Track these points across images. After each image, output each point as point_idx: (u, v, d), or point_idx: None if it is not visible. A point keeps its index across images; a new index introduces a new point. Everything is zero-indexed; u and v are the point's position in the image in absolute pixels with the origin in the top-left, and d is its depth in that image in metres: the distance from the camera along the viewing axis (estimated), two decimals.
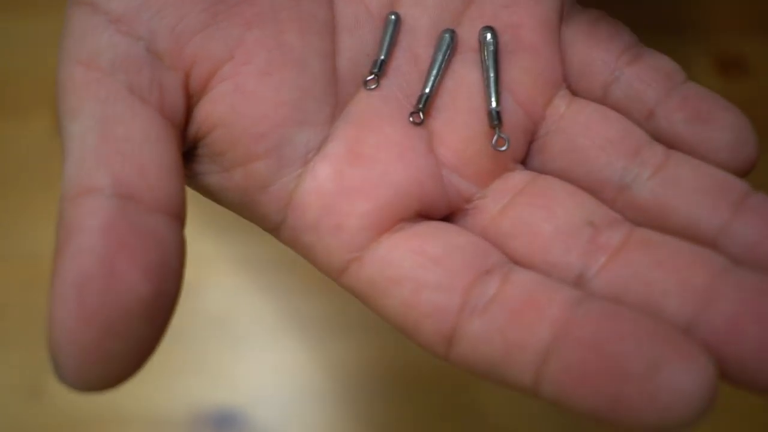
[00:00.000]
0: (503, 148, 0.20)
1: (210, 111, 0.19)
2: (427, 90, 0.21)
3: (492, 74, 0.21)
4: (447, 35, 0.22)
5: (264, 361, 0.44)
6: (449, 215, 0.21)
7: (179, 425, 0.42)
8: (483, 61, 0.21)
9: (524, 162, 0.22)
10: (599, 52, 0.22)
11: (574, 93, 0.22)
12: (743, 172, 0.20)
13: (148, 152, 0.17)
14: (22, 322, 0.44)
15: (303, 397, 0.43)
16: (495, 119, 0.20)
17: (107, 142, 0.17)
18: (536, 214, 0.20)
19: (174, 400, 0.43)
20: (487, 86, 0.21)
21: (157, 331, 0.16)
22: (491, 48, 0.21)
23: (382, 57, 0.21)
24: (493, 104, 0.21)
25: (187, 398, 0.43)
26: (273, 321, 0.45)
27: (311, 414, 0.43)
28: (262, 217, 0.20)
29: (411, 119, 0.21)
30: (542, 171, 0.21)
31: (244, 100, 0.19)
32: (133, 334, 0.16)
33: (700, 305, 0.17)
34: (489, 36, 0.21)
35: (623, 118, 0.21)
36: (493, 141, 0.20)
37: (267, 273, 0.45)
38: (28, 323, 0.44)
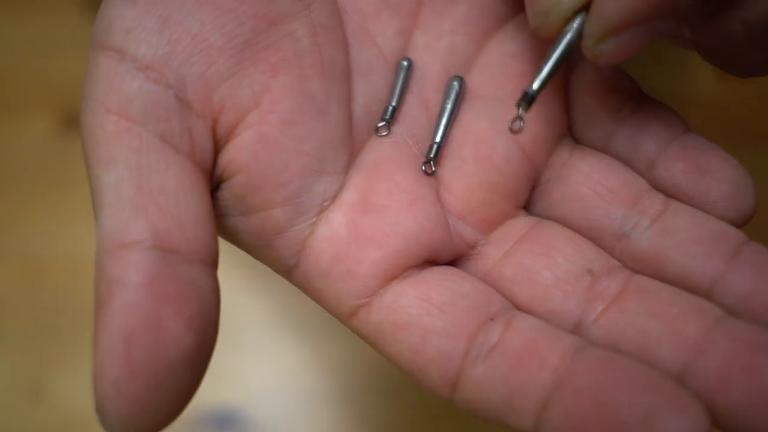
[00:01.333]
0: (519, 126, 0.21)
1: (234, 157, 0.20)
2: (438, 139, 0.22)
3: (557, 54, 0.20)
4: (455, 83, 0.22)
5: (264, 361, 0.44)
6: (454, 260, 0.22)
7: (179, 425, 0.42)
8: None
9: (527, 207, 0.23)
10: (603, 102, 0.22)
11: (577, 141, 0.23)
12: (741, 223, 0.21)
13: (183, 202, 0.18)
14: (22, 322, 0.44)
15: (303, 397, 0.43)
16: (526, 101, 0.20)
17: (143, 193, 0.17)
18: (537, 261, 0.21)
19: None
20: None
21: (198, 378, 0.17)
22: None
23: (394, 104, 0.22)
24: (536, 85, 0.20)
25: None
26: (273, 321, 0.45)
27: (311, 414, 0.43)
28: (275, 260, 0.21)
29: (423, 168, 0.21)
30: (544, 216, 0.22)
31: (267, 149, 0.20)
32: (178, 383, 0.16)
33: (692, 355, 0.18)
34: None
35: (624, 168, 0.22)
36: (510, 122, 0.21)
37: (267, 273, 0.45)
38: (28, 323, 0.44)
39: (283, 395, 0.43)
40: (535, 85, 0.20)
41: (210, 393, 0.43)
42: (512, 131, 0.21)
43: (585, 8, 0.20)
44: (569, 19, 0.20)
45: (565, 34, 0.20)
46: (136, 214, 0.17)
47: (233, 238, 0.21)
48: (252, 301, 0.45)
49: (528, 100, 0.20)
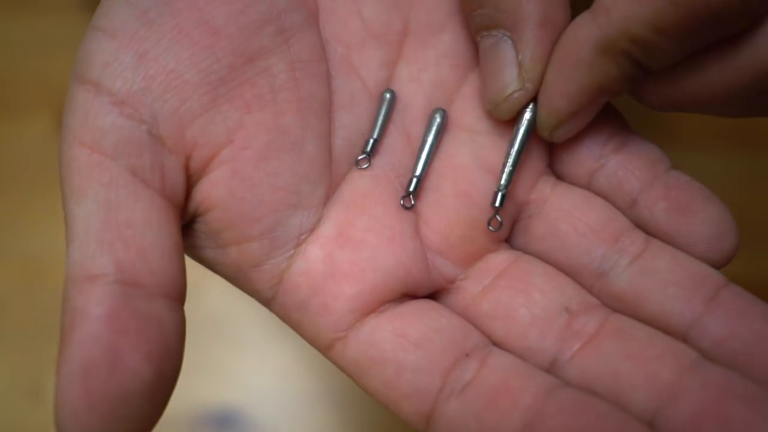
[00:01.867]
0: (495, 230, 0.21)
1: (209, 193, 0.20)
2: (417, 173, 0.21)
3: (515, 150, 0.21)
4: (438, 116, 0.22)
5: (264, 361, 0.44)
6: (433, 293, 0.22)
7: (179, 425, 0.42)
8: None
9: (509, 240, 0.22)
10: (586, 139, 0.22)
11: (560, 177, 0.23)
12: (721, 265, 0.21)
13: (150, 237, 0.18)
14: (22, 322, 0.44)
15: (303, 397, 0.43)
16: (499, 201, 0.21)
17: (110, 227, 0.18)
18: (515, 297, 0.21)
19: (174, 400, 0.43)
20: (504, 164, 0.22)
21: (157, 409, 0.18)
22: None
23: (375, 137, 0.22)
24: (503, 183, 0.21)
25: (187, 398, 0.43)
26: (273, 321, 0.45)
27: (311, 414, 0.43)
28: (254, 291, 0.21)
29: (402, 203, 0.21)
30: (525, 251, 0.22)
31: (241, 185, 0.20)
32: (136, 415, 0.17)
33: (665, 400, 0.18)
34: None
35: (606, 205, 0.22)
36: (489, 220, 0.21)
37: None
38: (28, 323, 0.44)
39: (283, 395, 0.43)
40: (503, 183, 0.21)
41: (210, 393, 0.43)
42: (492, 230, 0.21)
43: (534, 99, 0.21)
44: (520, 111, 0.21)
45: (522, 126, 0.21)
46: (101, 248, 0.17)
47: (214, 269, 0.21)
48: (252, 302, 0.45)
49: (501, 199, 0.21)
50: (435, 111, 0.22)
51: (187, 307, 0.47)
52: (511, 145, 0.21)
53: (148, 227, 0.18)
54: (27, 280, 0.45)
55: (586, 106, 0.20)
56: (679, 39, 0.18)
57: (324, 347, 0.20)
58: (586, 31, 0.19)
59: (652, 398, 0.18)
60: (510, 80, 0.21)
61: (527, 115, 0.21)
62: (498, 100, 0.21)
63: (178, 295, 0.18)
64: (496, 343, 0.20)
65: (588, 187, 0.22)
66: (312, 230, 0.20)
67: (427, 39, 0.23)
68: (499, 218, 0.21)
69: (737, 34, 0.18)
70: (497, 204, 0.21)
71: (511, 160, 0.21)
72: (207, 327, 0.44)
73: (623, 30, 0.18)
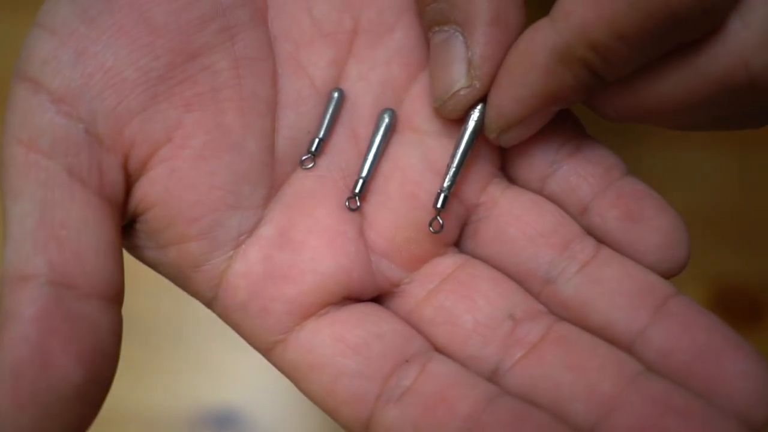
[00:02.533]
0: (436, 231, 0.21)
1: (147, 191, 0.20)
2: (364, 174, 0.21)
3: (461, 150, 0.21)
4: (386, 116, 0.22)
5: (264, 361, 0.44)
6: (377, 296, 0.21)
7: (179, 425, 0.42)
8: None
9: (458, 244, 0.22)
10: (540, 142, 0.21)
11: (512, 181, 0.22)
12: (672, 274, 0.20)
13: (85, 237, 0.18)
14: None
15: (303, 396, 0.43)
16: (441, 202, 0.21)
17: (45, 227, 0.18)
18: (459, 303, 0.20)
19: (174, 400, 0.43)
20: (449, 165, 0.21)
21: (91, 411, 0.17)
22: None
23: (320, 136, 0.21)
24: (446, 184, 0.21)
25: (187, 398, 0.43)
26: None
27: (311, 414, 0.43)
28: (195, 292, 0.21)
29: (347, 204, 0.21)
30: (473, 255, 0.22)
31: (179, 184, 0.20)
32: (67, 416, 0.17)
33: (604, 412, 0.18)
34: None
35: (557, 210, 0.21)
36: (430, 222, 0.21)
37: None
38: None
39: (283, 395, 0.43)
40: (446, 184, 0.21)
41: (210, 393, 0.43)
42: (433, 232, 0.21)
43: (483, 99, 0.21)
44: (468, 110, 0.21)
45: (469, 127, 0.21)
46: (35, 248, 0.17)
47: (157, 269, 0.21)
48: None
49: (443, 200, 0.21)
50: (384, 111, 0.22)
51: (186, 307, 0.48)
52: (457, 146, 0.21)
53: (84, 227, 0.18)
54: None
55: (537, 113, 0.20)
56: (638, 45, 0.18)
57: (264, 350, 0.20)
58: (543, 35, 0.19)
59: (591, 410, 0.18)
60: (458, 77, 0.20)
61: (475, 115, 0.21)
62: (445, 96, 0.21)
63: (114, 296, 0.18)
64: (438, 350, 0.20)
65: (541, 192, 0.22)
66: (252, 231, 0.20)
67: (378, 38, 0.22)
68: (440, 220, 0.21)
69: (696, 41, 0.18)
70: (439, 205, 0.21)
71: (456, 161, 0.21)
72: (207, 327, 0.44)
73: (582, 36, 0.18)
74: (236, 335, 0.46)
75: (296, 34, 0.22)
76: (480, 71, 0.20)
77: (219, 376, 0.44)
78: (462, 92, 0.20)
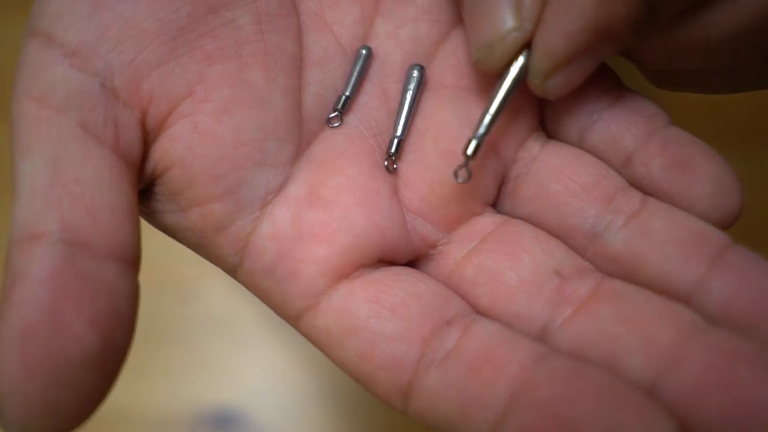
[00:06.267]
0: (461, 181, 0.20)
1: (167, 149, 0.19)
2: (398, 133, 0.20)
3: (502, 94, 0.20)
4: (415, 71, 0.21)
5: (264, 361, 0.44)
6: (413, 260, 0.20)
7: (179, 425, 0.42)
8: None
9: (495, 205, 0.21)
10: (578, 94, 0.20)
11: (550, 135, 0.21)
12: (725, 224, 0.19)
13: (100, 195, 0.17)
14: None
15: (303, 396, 0.43)
16: (472, 149, 0.19)
17: (57, 184, 0.17)
18: (501, 261, 0.19)
19: (174, 400, 0.43)
20: (485, 112, 0.20)
21: (105, 380, 0.16)
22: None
23: (347, 93, 0.20)
24: (481, 131, 0.19)
25: (188, 398, 0.43)
26: (273, 321, 0.45)
27: (311, 414, 0.43)
28: (218, 258, 0.20)
29: (385, 164, 0.20)
30: (513, 215, 0.21)
31: (201, 140, 0.18)
32: (80, 384, 0.15)
33: (665, 366, 0.16)
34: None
35: (599, 163, 0.20)
36: (455, 171, 0.20)
37: None
38: None
39: (283, 395, 0.43)
40: (481, 131, 0.19)
41: (210, 393, 0.43)
42: (458, 181, 0.20)
43: (528, 45, 0.19)
44: (514, 56, 0.19)
45: (511, 73, 0.19)
46: (47, 205, 0.16)
47: (176, 236, 0.20)
48: (252, 302, 0.45)
49: (474, 147, 0.19)
50: (412, 67, 0.21)
51: (186, 307, 0.48)
52: (495, 92, 0.19)
53: (98, 185, 0.17)
54: None
55: (585, 54, 0.19)
56: None
57: (293, 317, 0.19)
58: None
59: (650, 364, 0.16)
60: (506, 18, 0.19)
61: (519, 60, 0.19)
62: (492, 42, 0.19)
63: (130, 259, 0.17)
64: (481, 312, 0.19)
65: (580, 145, 0.21)
66: (279, 190, 0.19)
67: None
68: (467, 169, 0.19)
69: None
70: (469, 152, 0.19)
71: (494, 107, 0.19)
72: (207, 327, 0.44)
73: None
74: (236, 335, 0.46)
75: None
76: (531, 11, 0.19)
77: (219, 376, 0.44)
78: (512, 35, 0.19)
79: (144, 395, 0.42)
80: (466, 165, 0.19)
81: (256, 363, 0.44)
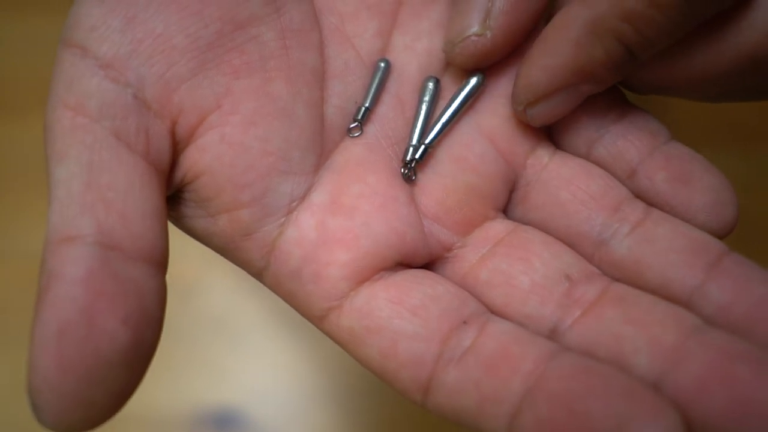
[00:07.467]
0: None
1: (196, 159, 0.19)
2: (414, 142, 0.21)
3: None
4: (430, 83, 0.22)
5: (264, 361, 0.44)
6: (429, 263, 0.21)
7: (180, 425, 0.42)
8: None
9: (505, 211, 0.22)
10: (586, 108, 0.22)
11: (559, 147, 0.22)
12: (722, 233, 0.20)
13: (131, 200, 0.18)
14: (22, 322, 0.44)
15: (303, 396, 0.43)
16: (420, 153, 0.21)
17: (92, 189, 0.17)
18: (514, 265, 0.20)
19: (174, 399, 0.43)
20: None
21: (135, 376, 0.17)
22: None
23: (367, 104, 0.21)
24: (414, 141, 0.21)
25: (188, 398, 0.43)
26: (273, 321, 0.45)
27: (311, 414, 0.43)
28: (245, 262, 0.20)
29: (404, 172, 0.21)
30: (523, 221, 0.22)
31: (229, 150, 0.19)
32: (112, 380, 0.16)
33: (669, 363, 0.17)
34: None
35: (606, 174, 0.21)
36: (404, 172, 0.21)
37: None
38: (28, 323, 0.44)
39: (283, 395, 0.43)
40: (427, 140, 0.21)
41: (210, 393, 0.43)
42: (405, 181, 0.21)
43: (482, 70, 0.21)
44: (472, 62, 0.21)
45: (464, 91, 0.21)
46: (82, 210, 0.17)
47: (204, 240, 0.21)
48: (252, 301, 0.45)
49: (422, 153, 0.21)
50: (427, 79, 0.22)
51: (186, 307, 0.48)
52: (449, 103, 0.21)
53: (130, 191, 0.18)
54: (27, 280, 0.45)
55: (565, 90, 0.20)
56: (674, 13, 0.18)
57: (318, 318, 0.20)
58: (576, 9, 0.19)
59: (656, 362, 0.18)
60: (473, 23, 0.21)
61: (473, 80, 0.22)
62: (456, 39, 0.21)
63: (159, 261, 0.18)
64: (495, 312, 0.20)
65: (587, 157, 0.22)
66: (303, 197, 0.20)
67: (421, 9, 0.23)
68: (405, 170, 0.21)
69: (725, 14, 0.18)
70: (409, 158, 0.21)
71: (445, 118, 0.21)
72: (207, 327, 0.44)
73: (616, 4, 0.18)
74: (236, 335, 0.46)
75: (341, 7, 0.22)
76: (495, 23, 0.20)
77: (219, 376, 0.44)
78: (473, 38, 0.21)
79: (144, 395, 0.42)
80: (409, 166, 0.21)
81: (256, 363, 0.44)
